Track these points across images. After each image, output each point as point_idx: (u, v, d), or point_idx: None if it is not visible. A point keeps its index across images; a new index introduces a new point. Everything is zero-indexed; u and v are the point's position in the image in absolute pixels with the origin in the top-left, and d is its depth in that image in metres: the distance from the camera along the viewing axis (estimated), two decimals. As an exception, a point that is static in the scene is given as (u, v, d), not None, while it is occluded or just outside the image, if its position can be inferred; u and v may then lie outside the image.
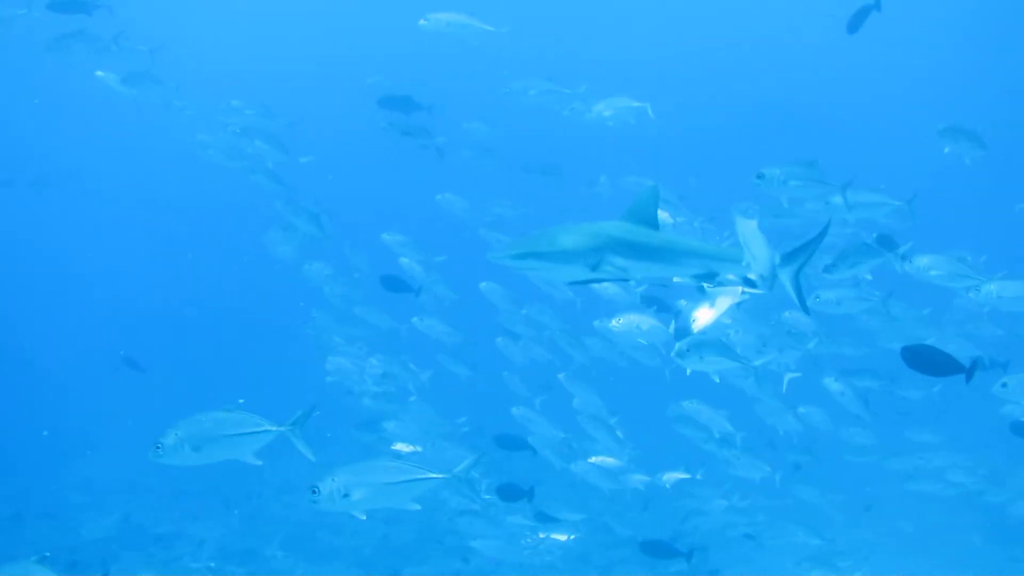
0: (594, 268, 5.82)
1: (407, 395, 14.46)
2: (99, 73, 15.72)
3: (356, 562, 16.18)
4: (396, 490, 7.18)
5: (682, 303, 12.04)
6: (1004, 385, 8.45)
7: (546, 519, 13.07)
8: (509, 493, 11.96)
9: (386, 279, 15.04)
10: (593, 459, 12.69)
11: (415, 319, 14.95)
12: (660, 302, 12.29)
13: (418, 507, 7.26)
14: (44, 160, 32.03)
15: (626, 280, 6.21)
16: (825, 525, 15.39)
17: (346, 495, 6.95)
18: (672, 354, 8.81)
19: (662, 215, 12.58)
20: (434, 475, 7.30)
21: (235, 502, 18.21)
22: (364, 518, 7.27)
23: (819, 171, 10.03)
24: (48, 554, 7.60)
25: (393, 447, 13.42)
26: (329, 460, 8.60)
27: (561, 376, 13.16)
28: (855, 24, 13.58)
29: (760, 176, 9.74)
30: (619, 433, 12.83)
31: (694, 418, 12.21)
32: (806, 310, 6.95)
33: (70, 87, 25.70)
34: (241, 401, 7.37)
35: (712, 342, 8.96)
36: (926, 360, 7.81)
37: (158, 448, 6.69)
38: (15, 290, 33.42)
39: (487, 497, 12.16)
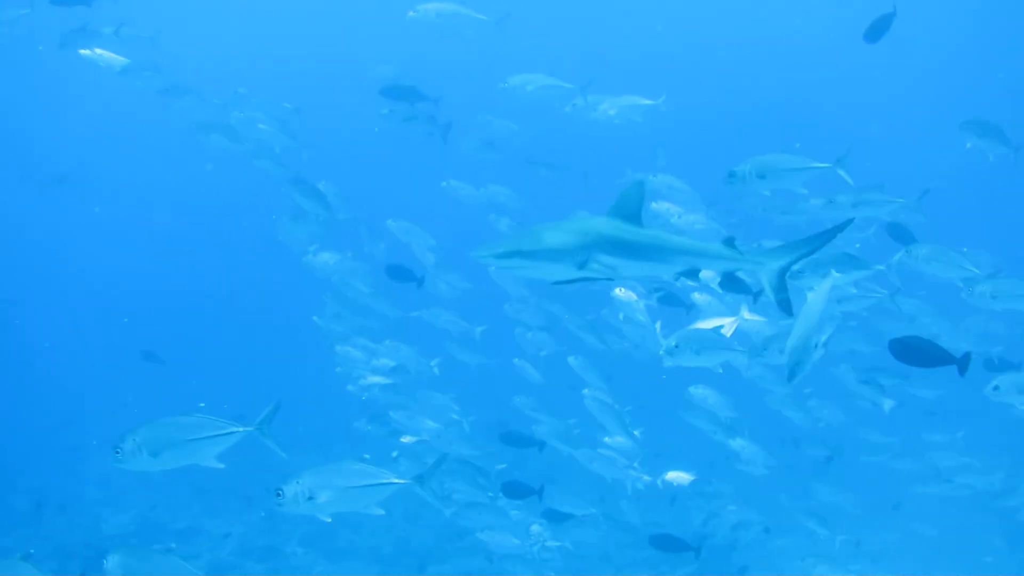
0: (582, 267, 5.57)
1: (416, 387, 14.26)
2: (83, 52, 15.49)
3: (375, 560, 16.19)
4: (361, 494, 7.17)
5: (696, 296, 11.81)
6: (996, 388, 7.99)
7: (556, 516, 12.84)
8: (514, 491, 11.77)
9: (391, 268, 14.78)
10: (601, 451, 12.45)
11: (420, 311, 14.75)
12: (671, 296, 12.01)
13: (382, 512, 7.20)
14: (50, 158, 32.48)
15: (612, 279, 5.95)
16: (843, 525, 14.99)
17: (311, 498, 6.92)
18: (661, 352, 8.47)
19: (672, 208, 12.31)
20: (399, 480, 7.26)
21: (258, 500, 18.17)
22: (329, 520, 7.18)
23: (801, 157, 9.33)
24: (33, 551, 7.59)
25: (401, 440, 13.30)
26: (338, 455, 8.54)
27: (571, 360, 12.87)
28: (875, 34, 12.81)
29: (731, 175, 8.93)
30: (636, 433, 12.54)
31: (701, 405, 11.94)
32: (788, 312, 6.48)
33: (75, 83, 25.96)
34: (202, 405, 7.27)
35: (703, 335, 8.66)
36: (915, 352, 7.48)
37: (117, 453, 6.61)
38: (31, 286, 33.84)
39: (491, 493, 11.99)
